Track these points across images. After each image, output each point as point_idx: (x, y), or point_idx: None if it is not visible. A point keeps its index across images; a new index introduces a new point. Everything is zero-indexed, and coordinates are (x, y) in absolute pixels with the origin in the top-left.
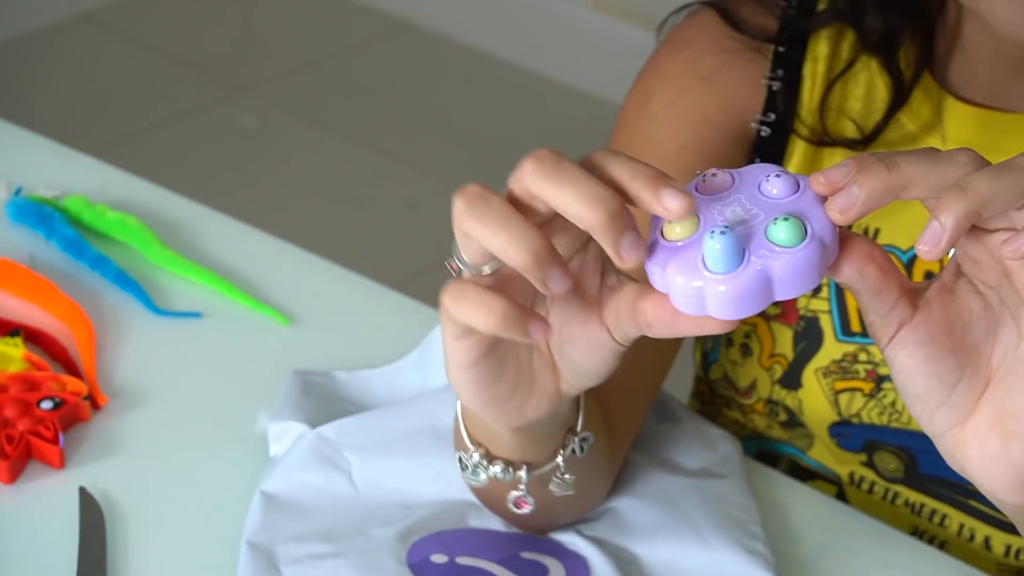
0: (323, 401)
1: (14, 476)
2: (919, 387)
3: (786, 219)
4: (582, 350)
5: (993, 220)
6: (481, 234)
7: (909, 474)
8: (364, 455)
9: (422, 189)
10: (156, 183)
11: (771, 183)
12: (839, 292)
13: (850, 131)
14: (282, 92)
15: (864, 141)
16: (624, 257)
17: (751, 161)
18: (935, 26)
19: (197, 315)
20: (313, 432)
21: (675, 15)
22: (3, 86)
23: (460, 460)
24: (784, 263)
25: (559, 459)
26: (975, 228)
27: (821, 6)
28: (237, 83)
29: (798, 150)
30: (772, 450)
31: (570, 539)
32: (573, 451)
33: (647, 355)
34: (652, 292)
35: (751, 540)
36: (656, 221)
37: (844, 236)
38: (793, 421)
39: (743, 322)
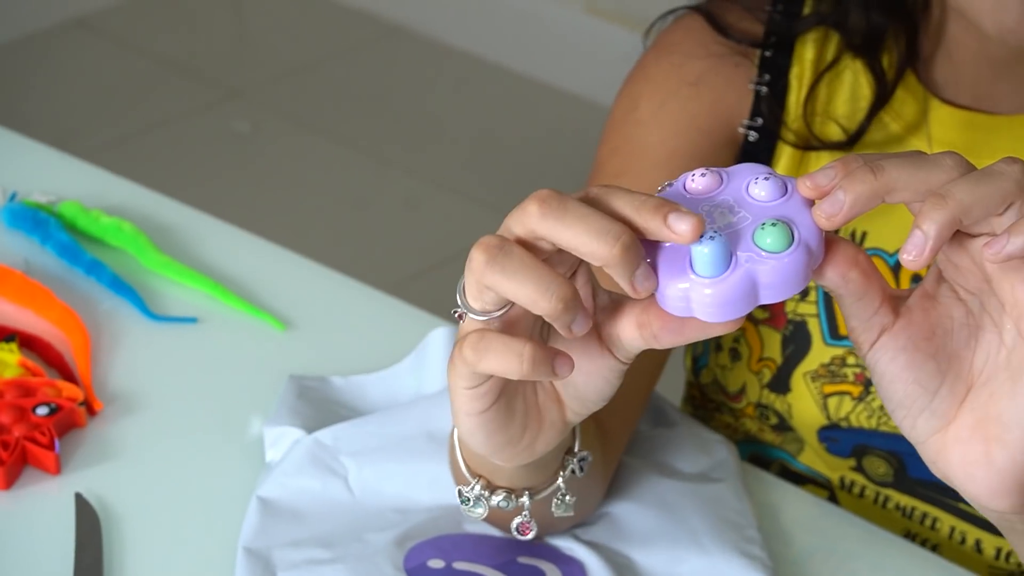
0: (319, 406)
1: (10, 482)
2: (900, 393)
3: (774, 224)
4: (586, 374)
5: (975, 225)
6: (505, 286)
7: (899, 478)
8: (361, 460)
9: (415, 193)
10: (149, 188)
11: (759, 185)
12: (827, 296)
13: (835, 134)
14: (274, 96)
15: (849, 142)
16: (639, 289)
17: None
18: (919, 26)
19: (193, 320)
20: (309, 437)
21: (661, 20)
22: None
23: (460, 493)
24: (770, 268)
25: (560, 481)
26: (958, 233)
27: (807, 10)
28: (230, 87)
29: (785, 154)
30: (764, 454)
31: (567, 544)
32: (573, 471)
33: (639, 360)
34: (654, 306)
35: (748, 544)
36: None
37: (829, 240)
38: (783, 425)
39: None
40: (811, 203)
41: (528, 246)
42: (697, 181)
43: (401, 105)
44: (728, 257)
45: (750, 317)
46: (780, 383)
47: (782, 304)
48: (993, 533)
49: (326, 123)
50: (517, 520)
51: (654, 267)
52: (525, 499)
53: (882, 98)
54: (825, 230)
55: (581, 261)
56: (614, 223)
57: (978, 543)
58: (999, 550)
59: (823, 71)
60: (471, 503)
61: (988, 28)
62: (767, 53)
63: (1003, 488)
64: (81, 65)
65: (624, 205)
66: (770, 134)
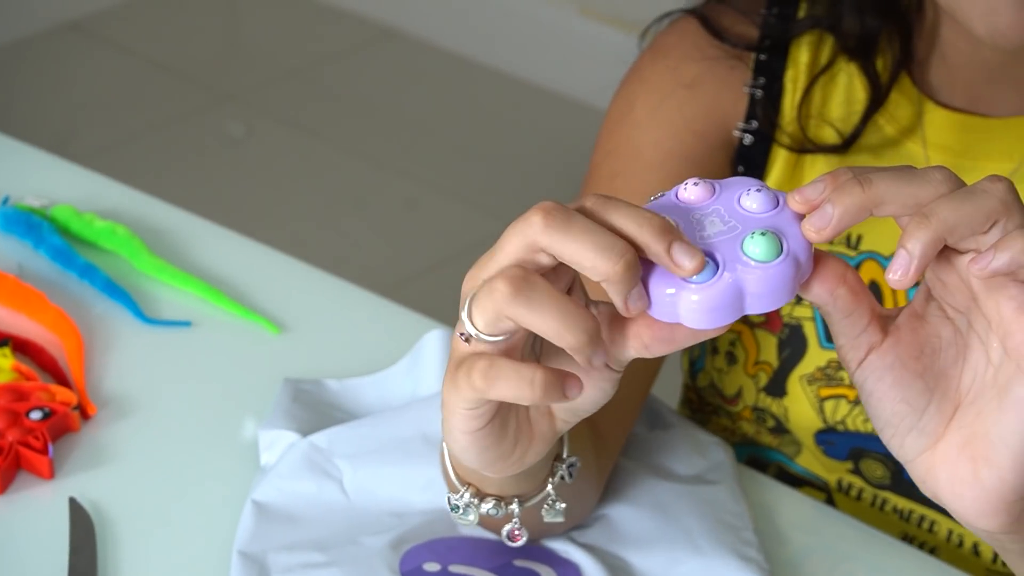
0: (314, 409)
1: (3, 487)
2: (888, 412)
3: (763, 234)
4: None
5: (962, 242)
6: (529, 319)
7: (896, 480)
8: (356, 463)
9: (409, 195)
10: (142, 191)
11: (751, 197)
12: None
13: (830, 137)
14: (268, 99)
15: (844, 145)
16: (631, 309)
17: (734, 168)
18: (913, 29)
19: (187, 324)
20: (304, 440)
21: (657, 23)
22: None
23: (449, 501)
24: (757, 278)
25: (549, 487)
26: (945, 250)
27: (802, 14)
28: (223, 90)
29: (780, 157)
30: (761, 457)
31: (563, 546)
32: (562, 477)
33: (634, 364)
34: (644, 315)
35: (744, 546)
36: None
37: (818, 256)
38: (780, 428)
39: (728, 330)
40: (802, 217)
41: (525, 259)
42: (690, 191)
43: (395, 108)
44: (716, 264)
45: (746, 321)
46: (776, 387)
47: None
48: None
49: (320, 126)
50: (507, 527)
51: (645, 272)
52: (515, 506)
53: (876, 101)
54: (815, 244)
55: (575, 275)
56: (618, 240)
57: (976, 546)
58: (996, 553)
59: (817, 74)
60: (461, 511)
61: (979, 32)
62: (762, 56)
63: (991, 508)
64: (75, 69)
65: (627, 222)
66: (765, 137)
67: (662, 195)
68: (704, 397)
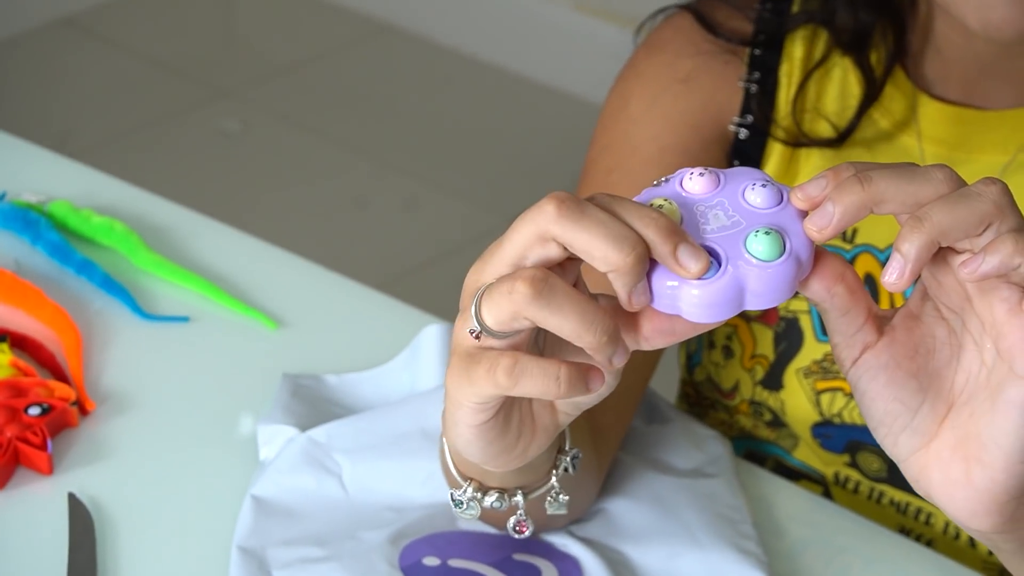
0: (313, 404)
1: (2, 483)
2: (881, 411)
3: (767, 233)
4: None
5: (957, 244)
6: (548, 320)
7: (893, 473)
8: (354, 458)
9: (406, 191)
10: (138, 187)
11: (756, 192)
12: None
13: (825, 130)
14: (264, 95)
15: (839, 139)
16: (635, 303)
17: (730, 162)
18: (907, 23)
19: (184, 319)
20: (303, 435)
21: (652, 19)
22: None
23: (452, 497)
24: (759, 276)
25: (554, 479)
26: (942, 250)
27: (796, 8)
28: (218, 87)
29: (775, 151)
30: (759, 451)
31: (562, 540)
32: (566, 469)
33: (632, 358)
34: (645, 309)
35: (743, 539)
36: None
37: (818, 253)
38: (777, 421)
39: (725, 324)
40: (804, 214)
41: (531, 248)
42: (695, 181)
43: (391, 103)
44: (718, 260)
45: (742, 315)
46: (773, 380)
47: None
48: None
49: (316, 122)
50: (513, 519)
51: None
52: (519, 498)
53: (871, 95)
54: (816, 242)
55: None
56: (631, 232)
57: (972, 539)
58: None
59: (812, 68)
60: (464, 506)
61: (973, 25)
62: (756, 51)
63: (983, 509)
64: (70, 65)
65: (634, 219)
66: (760, 131)
67: (666, 180)
68: (701, 391)
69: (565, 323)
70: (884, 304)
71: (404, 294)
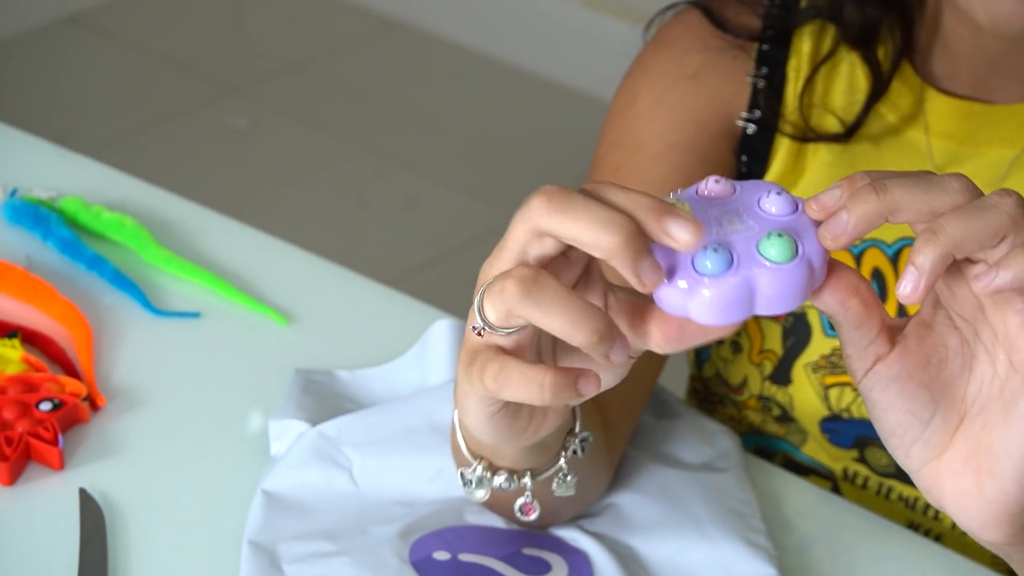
0: (324, 400)
1: (14, 478)
2: (893, 422)
3: (779, 235)
4: (592, 363)
5: (972, 255)
6: (539, 319)
7: (901, 469)
8: (364, 452)
9: (414, 188)
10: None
11: (771, 199)
12: None
13: (833, 125)
14: (272, 92)
15: (846, 134)
16: (645, 281)
17: (737, 158)
18: (914, 18)
19: (195, 315)
20: (314, 430)
21: (661, 15)
22: None
23: (462, 476)
24: (770, 278)
25: (562, 461)
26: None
27: (804, 4)
28: (227, 83)
29: (783, 146)
30: (767, 446)
31: (572, 535)
32: (575, 452)
33: (643, 353)
34: (657, 315)
35: (753, 533)
36: None
37: (832, 265)
38: (786, 417)
39: None
40: (818, 224)
41: (531, 244)
42: (711, 188)
43: (399, 100)
44: (730, 260)
45: None
46: (781, 375)
47: None
48: None
49: (324, 118)
50: (520, 501)
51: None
52: (527, 480)
53: (878, 90)
54: (830, 251)
55: (593, 265)
56: (616, 213)
57: None
58: None
59: (819, 63)
60: (473, 485)
61: (981, 19)
62: (764, 46)
63: (994, 520)
64: (78, 62)
65: (623, 202)
66: (768, 126)
67: (682, 191)
68: (710, 387)
69: (555, 322)
70: (891, 304)
71: (413, 290)
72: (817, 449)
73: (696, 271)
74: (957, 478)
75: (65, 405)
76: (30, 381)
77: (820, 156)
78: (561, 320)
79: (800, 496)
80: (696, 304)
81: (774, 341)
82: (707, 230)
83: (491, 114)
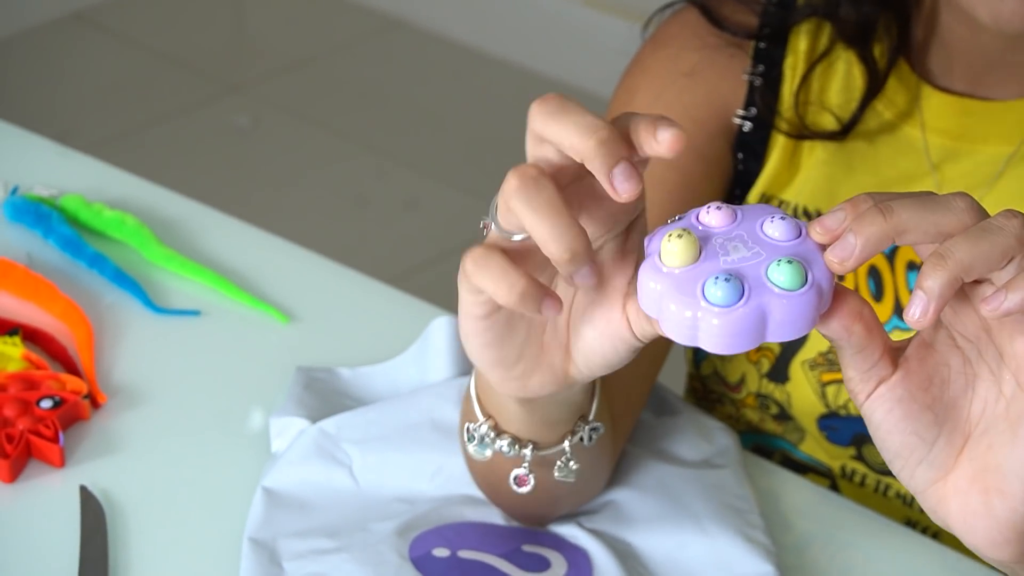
0: (326, 397)
1: (14, 475)
2: (897, 444)
3: (789, 262)
4: (599, 335)
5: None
6: (525, 217)
7: None
8: (364, 449)
9: (416, 186)
10: (149, 181)
11: (774, 225)
12: None
13: (829, 123)
14: (274, 90)
15: (842, 132)
16: (617, 188)
17: (734, 155)
18: (910, 15)
19: (196, 313)
20: (314, 427)
21: (659, 13)
22: None
23: (468, 430)
24: (782, 306)
25: (566, 444)
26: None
27: (801, 2)
28: (230, 82)
29: (779, 144)
30: (766, 444)
31: (571, 532)
32: (581, 439)
33: (643, 350)
34: (630, 297)
35: (751, 529)
36: (652, 246)
37: (836, 290)
38: (784, 414)
39: None
40: (823, 247)
41: (537, 157)
42: (712, 214)
43: (400, 98)
44: (740, 289)
45: None
46: (779, 372)
47: None
48: None
49: (325, 117)
50: (516, 471)
51: (665, 292)
52: (528, 451)
53: (874, 87)
54: (837, 274)
55: (636, 227)
56: (600, 121)
57: None
58: None
59: (815, 61)
60: (476, 442)
61: (983, 18)
62: (761, 44)
63: (1003, 539)
64: (80, 60)
65: (620, 120)
66: (764, 124)
67: (680, 217)
68: (708, 385)
69: (538, 226)
70: (889, 304)
71: (414, 288)
72: (815, 447)
73: (707, 300)
74: (964, 498)
75: (66, 403)
76: (31, 379)
77: (816, 153)
78: (544, 226)
79: (798, 494)
80: (707, 334)
81: None
82: (713, 258)
83: (492, 113)
